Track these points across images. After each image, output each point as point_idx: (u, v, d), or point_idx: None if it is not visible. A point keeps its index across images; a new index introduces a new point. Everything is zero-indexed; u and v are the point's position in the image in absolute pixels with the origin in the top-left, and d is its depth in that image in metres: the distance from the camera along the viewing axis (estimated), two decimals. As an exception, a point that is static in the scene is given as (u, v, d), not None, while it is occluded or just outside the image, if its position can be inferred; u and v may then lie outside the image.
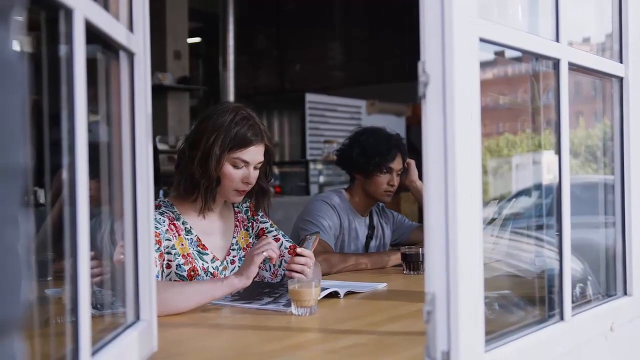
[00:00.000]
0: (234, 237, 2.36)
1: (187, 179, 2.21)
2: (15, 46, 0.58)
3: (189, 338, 1.69)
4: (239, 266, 2.30)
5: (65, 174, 1.01)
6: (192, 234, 2.23)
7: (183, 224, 2.23)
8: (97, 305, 1.35)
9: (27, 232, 0.59)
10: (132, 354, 1.30)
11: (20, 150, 0.55)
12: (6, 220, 0.53)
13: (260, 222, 2.43)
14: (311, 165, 7.50)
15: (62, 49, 1.02)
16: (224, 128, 2.17)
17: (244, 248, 2.37)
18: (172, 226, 2.19)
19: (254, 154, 2.22)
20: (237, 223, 2.39)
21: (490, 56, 1.48)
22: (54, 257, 1.40)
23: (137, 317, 1.38)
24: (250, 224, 2.42)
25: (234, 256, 2.33)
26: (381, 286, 2.37)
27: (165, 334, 1.55)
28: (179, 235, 2.20)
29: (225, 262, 2.29)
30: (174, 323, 1.80)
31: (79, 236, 1.01)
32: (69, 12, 1.00)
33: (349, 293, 2.19)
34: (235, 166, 2.20)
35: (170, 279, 2.15)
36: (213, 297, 1.97)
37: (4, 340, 0.54)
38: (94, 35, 1.11)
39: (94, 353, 1.09)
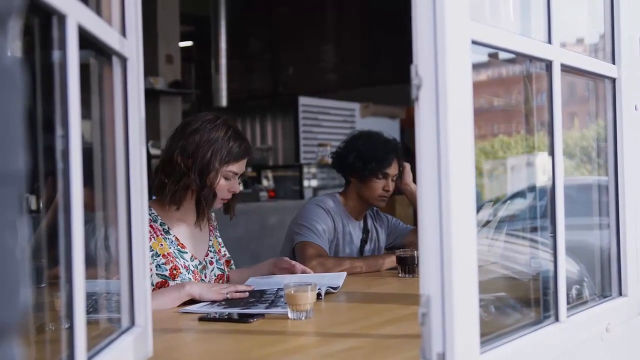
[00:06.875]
0: (210, 240, 2.47)
1: (182, 189, 2.27)
2: (14, 52, 0.58)
3: (184, 343, 1.68)
4: (217, 267, 2.44)
5: (59, 180, 1.00)
6: (170, 234, 2.31)
7: (161, 225, 2.31)
8: (89, 310, 1.34)
9: (25, 237, 0.59)
10: (127, 359, 1.29)
11: (19, 156, 0.55)
12: (5, 226, 0.53)
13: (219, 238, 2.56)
14: (305, 169, 7.48)
15: (55, 54, 1.01)
16: (220, 143, 2.27)
17: (217, 251, 2.48)
18: (149, 228, 2.22)
19: (244, 166, 2.36)
20: (211, 228, 2.51)
21: (484, 58, 1.48)
22: (48, 263, 1.40)
23: (132, 323, 1.38)
24: (217, 232, 2.54)
25: (211, 257, 2.44)
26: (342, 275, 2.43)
27: (160, 340, 1.55)
28: (158, 236, 2.27)
29: (204, 262, 2.39)
30: (169, 328, 1.80)
31: (73, 242, 1.01)
32: (62, 18, 1.00)
33: (328, 293, 2.22)
34: (226, 178, 2.32)
35: (152, 282, 2.18)
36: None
37: (3, 345, 0.55)
38: (86, 40, 1.11)
39: (89, 359, 1.09)
